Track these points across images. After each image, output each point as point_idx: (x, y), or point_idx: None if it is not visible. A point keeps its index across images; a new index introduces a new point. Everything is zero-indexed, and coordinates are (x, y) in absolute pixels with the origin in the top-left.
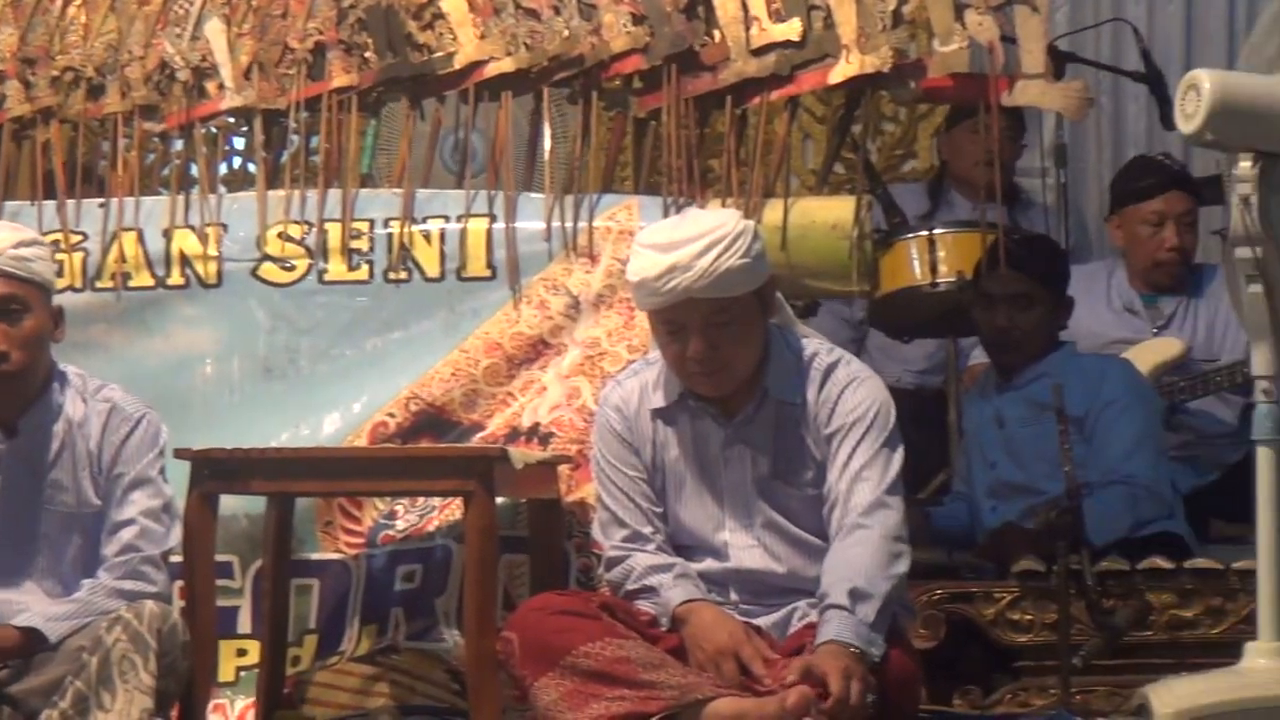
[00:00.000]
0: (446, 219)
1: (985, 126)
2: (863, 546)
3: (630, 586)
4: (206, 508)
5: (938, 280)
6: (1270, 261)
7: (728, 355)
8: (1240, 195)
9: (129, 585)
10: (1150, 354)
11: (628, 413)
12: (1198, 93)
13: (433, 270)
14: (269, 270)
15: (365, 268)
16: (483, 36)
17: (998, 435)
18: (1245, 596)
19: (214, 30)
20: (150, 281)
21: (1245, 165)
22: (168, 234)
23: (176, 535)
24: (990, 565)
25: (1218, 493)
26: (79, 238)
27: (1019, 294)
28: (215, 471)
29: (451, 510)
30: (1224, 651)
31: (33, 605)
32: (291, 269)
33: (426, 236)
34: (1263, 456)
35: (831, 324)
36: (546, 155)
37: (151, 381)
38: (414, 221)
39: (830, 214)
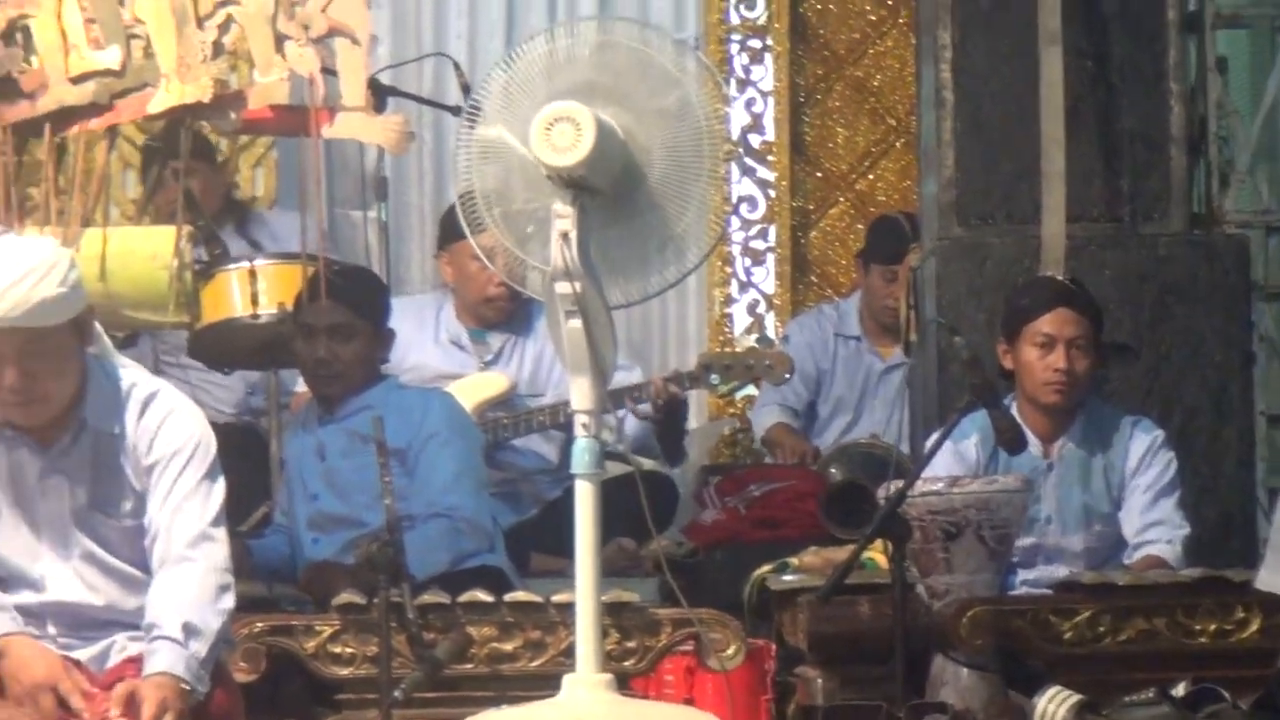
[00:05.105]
0: None
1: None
2: (190, 579)
3: None
4: None
5: (259, 311)
6: (588, 296)
7: (44, 385)
8: (560, 231)
9: None
10: (475, 389)
11: None
12: (576, 125)
13: None
14: None
15: None
16: None
17: (319, 467)
18: (564, 629)
19: None
20: None
21: (566, 201)
22: None
23: None
24: (311, 598)
25: (538, 527)
26: None
27: (338, 325)
28: None
29: None
30: (544, 684)
31: None
32: None
33: None
34: (581, 490)
35: (148, 354)
36: None
37: None
38: None
39: (150, 244)
